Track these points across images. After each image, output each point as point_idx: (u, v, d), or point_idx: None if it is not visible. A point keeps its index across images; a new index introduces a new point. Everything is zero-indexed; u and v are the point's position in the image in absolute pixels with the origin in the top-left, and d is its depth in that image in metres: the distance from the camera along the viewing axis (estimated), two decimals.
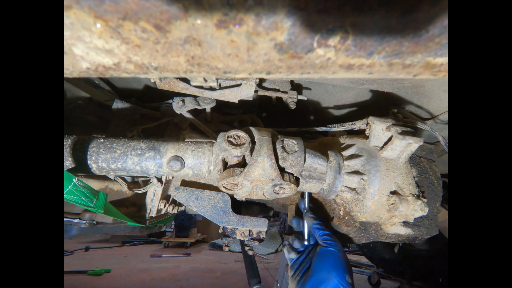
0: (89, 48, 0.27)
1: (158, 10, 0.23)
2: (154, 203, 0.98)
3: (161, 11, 0.23)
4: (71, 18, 0.24)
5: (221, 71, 0.30)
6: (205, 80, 0.72)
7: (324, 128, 0.99)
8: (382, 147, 0.83)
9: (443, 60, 0.29)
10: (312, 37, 0.25)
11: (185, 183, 0.94)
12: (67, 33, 0.25)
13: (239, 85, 0.89)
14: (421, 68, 0.30)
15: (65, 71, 0.30)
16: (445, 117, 0.96)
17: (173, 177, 1.00)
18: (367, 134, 0.86)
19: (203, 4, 0.22)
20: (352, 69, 0.30)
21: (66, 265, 2.77)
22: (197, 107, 1.02)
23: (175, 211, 1.08)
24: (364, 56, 0.28)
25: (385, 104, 1.01)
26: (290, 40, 0.26)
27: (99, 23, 0.24)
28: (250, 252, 1.30)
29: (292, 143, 0.77)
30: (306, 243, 0.86)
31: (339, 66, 0.29)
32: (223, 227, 0.94)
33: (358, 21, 0.24)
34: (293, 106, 0.98)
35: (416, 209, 0.78)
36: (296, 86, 1.07)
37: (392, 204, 0.79)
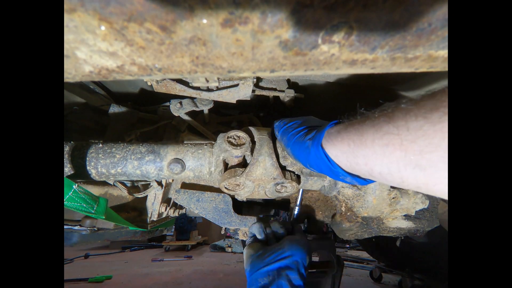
0: (93, 51, 0.27)
1: (164, 10, 0.23)
2: (155, 207, 0.98)
3: (167, 11, 0.23)
4: (75, 21, 0.24)
5: (225, 71, 0.30)
6: (207, 80, 0.72)
7: None
8: None
9: (445, 52, 0.29)
10: (317, 34, 0.26)
11: (185, 186, 0.94)
12: (70, 37, 0.25)
13: (237, 85, 0.89)
14: (423, 61, 0.31)
15: (68, 75, 0.29)
16: None
17: (173, 180, 1.00)
18: None
19: (209, 3, 0.22)
20: (356, 65, 0.30)
21: (66, 274, 2.73)
22: (194, 108, 1.01)
23: (176, 214, 1.08)
24: (368, 51, 0.28)
25: (380, 99, 1.02)
26: (295, 37, 0.26)
27: (103, 25, 0.24)
28: None
29: None
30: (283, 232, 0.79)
31: (343, 61, 0.29)
32: (225, 228, 0.93)
33: (362, 17, 0.24)
34: (290, 105, 0.99)
35: (417, 202, 0.78)
36: (293, 85, 1.07)
37: (393, 198, 0.80)
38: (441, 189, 0.33)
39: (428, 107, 0.30)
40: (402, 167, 0.34)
